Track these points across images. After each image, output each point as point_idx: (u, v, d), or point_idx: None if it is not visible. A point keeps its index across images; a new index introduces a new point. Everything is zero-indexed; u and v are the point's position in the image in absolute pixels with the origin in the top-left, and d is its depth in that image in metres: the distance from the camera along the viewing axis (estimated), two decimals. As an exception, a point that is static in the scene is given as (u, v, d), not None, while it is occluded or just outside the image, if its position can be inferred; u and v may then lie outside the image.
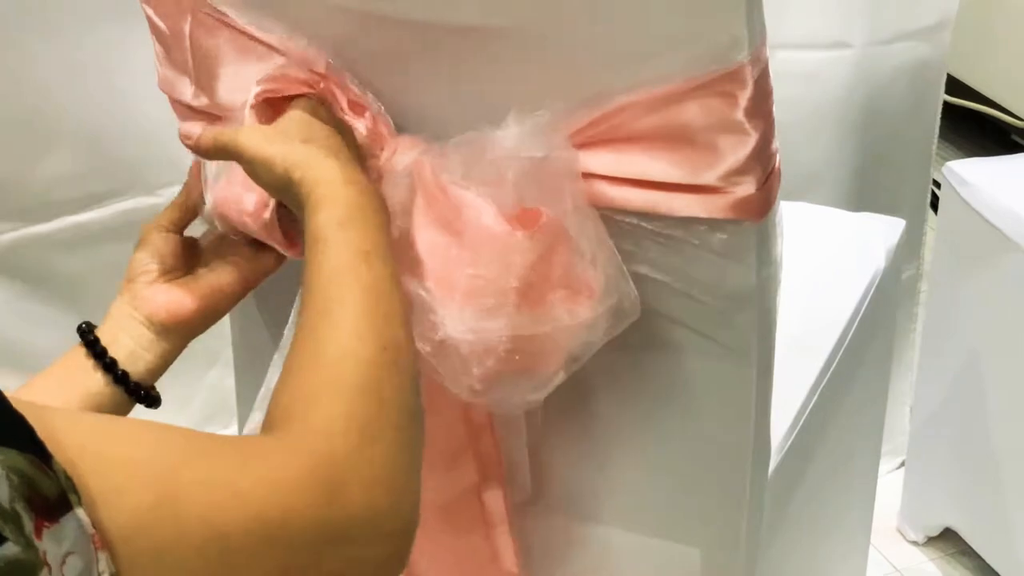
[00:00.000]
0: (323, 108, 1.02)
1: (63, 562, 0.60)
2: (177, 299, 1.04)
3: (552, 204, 0.97)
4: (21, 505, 0.59)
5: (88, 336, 1.02)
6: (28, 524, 0.59)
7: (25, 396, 0.96)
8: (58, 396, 0.99)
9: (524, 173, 0.97)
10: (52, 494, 0.61)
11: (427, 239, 1.00)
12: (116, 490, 0.65)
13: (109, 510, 0.64)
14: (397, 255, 0.99)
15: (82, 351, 1.02)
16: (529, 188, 0.97)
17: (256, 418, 1.01)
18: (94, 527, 0.63)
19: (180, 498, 0.68)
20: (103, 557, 0.63)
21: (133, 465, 0.67)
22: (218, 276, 1.07)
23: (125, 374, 1.01)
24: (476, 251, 0.98)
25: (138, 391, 1.02)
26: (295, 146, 0.94)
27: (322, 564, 0.73)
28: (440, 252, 0.99)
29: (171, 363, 1.05)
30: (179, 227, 1.09)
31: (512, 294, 0.97)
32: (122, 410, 1.02)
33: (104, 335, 1.03)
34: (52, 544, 0.60)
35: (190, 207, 1.10)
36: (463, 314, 0.97)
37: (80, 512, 0.62)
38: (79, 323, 1.04)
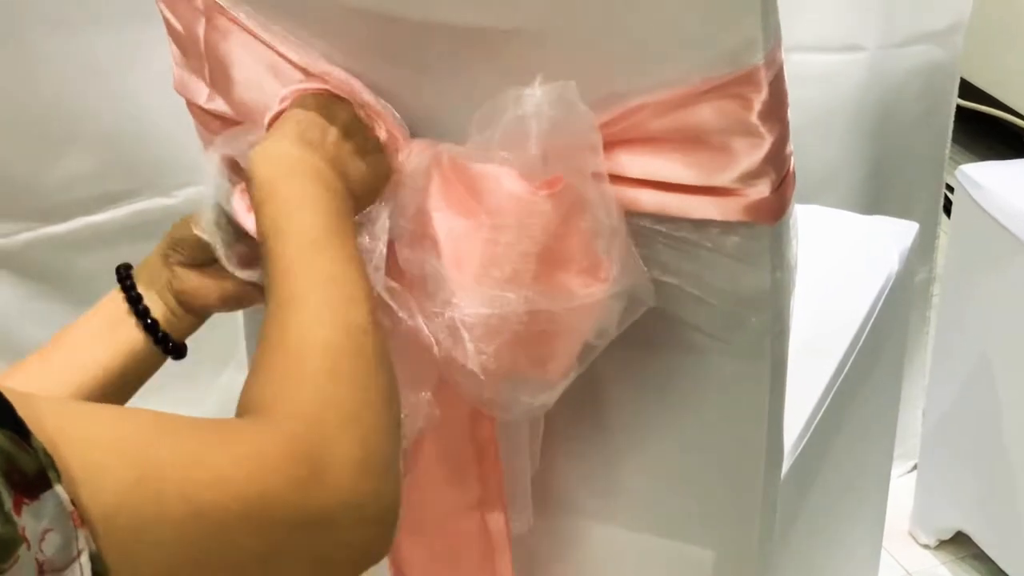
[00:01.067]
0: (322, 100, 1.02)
1: (42, 538, 0.61)
2: (204, 292, 1.06)
3: (572, 171, 0.97)
4: (0, 481, 0.60)
5: (131, 292, 1.05)
6: (7, 500, 0.60)
7: (63, 340, 1.02)
8: (96, 344, 1.02)
9: (546, 133, 0.96)
10: (31, 471, 0.62)
11: (444, 219, 1.00)
12: (97, 468, 0.66)
13: (90, 488, 0.65)
14: (414, 237, 1.00)
15: (123, 304, 1.05)
16: (551, 150, 0.97)
17: None
18: (73, 505, 0.63)
19: (161, 476, 0.68)
20: (82, 534, 0.63)
21: (113, 444, 0.68)
22: (243, 282, 1.07)
23: (166, 335, 1.05)
24: (496, 216, 0.98)
25: (172, 347, 1.06)
26: (254, 150, 0.95)
27: (303, 548, 0.73)
28: (457, 229, 0.99)
29: (192, 333, 1.08)
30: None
31: (530, 261, 0.97)
32: (154, 362, 1.05)
33: (147, 291, 1.05)
34: (31, 520, 0.61)
35: None
36: (479, 287, 0.97)
37: (59, 489, 0.63)
38: (118, 265, 1.07)
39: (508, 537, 1.15)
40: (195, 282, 1.06)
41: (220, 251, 1.04)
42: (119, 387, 1.03)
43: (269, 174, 0.93)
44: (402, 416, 0.86)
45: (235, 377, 1.85)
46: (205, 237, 1.04)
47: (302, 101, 1.01)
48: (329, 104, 1.01)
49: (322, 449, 0.75)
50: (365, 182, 1.00)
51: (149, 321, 1.04)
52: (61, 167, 1.67)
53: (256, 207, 0.92)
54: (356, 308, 0.84)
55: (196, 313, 1.07)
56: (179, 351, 1.06)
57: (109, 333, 1.03)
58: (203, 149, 1.18)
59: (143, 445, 0.69)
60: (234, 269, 1.04)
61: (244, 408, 0.79)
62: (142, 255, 1.08)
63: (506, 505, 1.14)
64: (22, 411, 0.63)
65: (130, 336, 1.04)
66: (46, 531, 0.61)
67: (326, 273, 0.86)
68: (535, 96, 0.96)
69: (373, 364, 0.82)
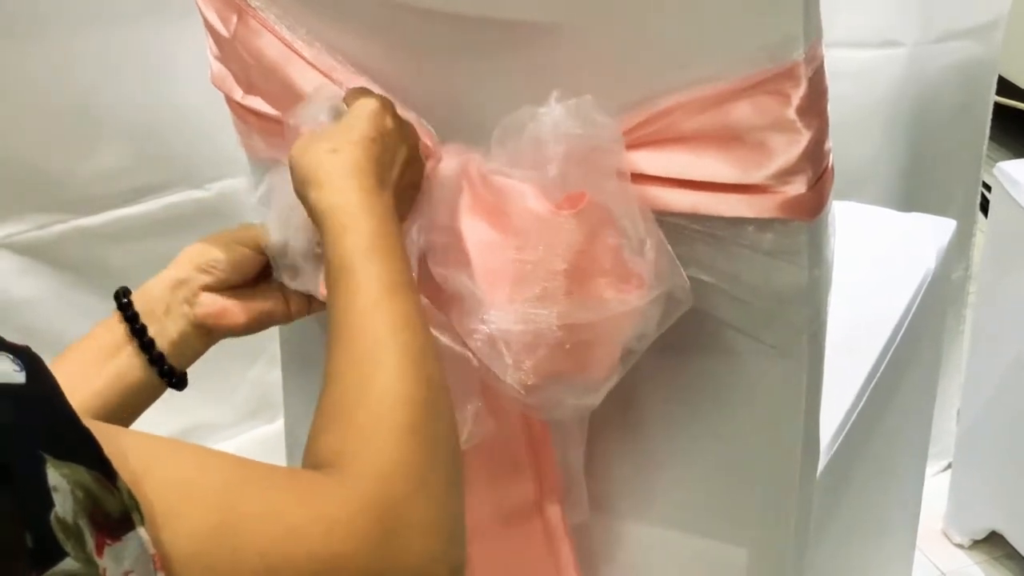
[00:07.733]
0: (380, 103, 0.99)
1: None
2: (230, 314, 1.03)
3: (595, 186, 0.96)
4: (84, 521, 0.60)
5: (135, 322, 1.00)
6: (90, 541, 0.60)
7: (60, 369, 0.95)
8: (93, 373, 0.98)
9: (567, 152, 0.96)
10: (115, 512, 0.62)
11: (474, 235, 0.99)
12: (178, 512, 0.66)
13: (170, 532, 0.65)
14: (447, 253, 0.99)
15: (121, 332, 1.00)
16: (572, 168, 0.96)
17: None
18: (154, 547, 0.63)
19: (238, 528, 0.68)
20: None
21: (195, 489, 0.68)
22: (269, 303, 1.05)
23: (171, 368, 1.01)
24: (522, 236, 0.97)
25: (173, 377, 1.02)
26: (321, 158, 0.91)
27: None
28: (487, 246, 0.99)
29: (194, 362, 1.04)
30: (259, 251, 1.04)
31: (560, 278, 0.96)
32: (152, 392, 1.01)
33: (150, 319, 1.01)
34: (112, 562, 0.61)
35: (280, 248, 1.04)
36: (512, 305, 0.97)
37: (142, 531, 0.63)
38: (116, 290, 1.02)
39: (567, 529, 1.15)
40: (220, 305, 1.02)
41: (279, 267, 1.03)
42: (116, 417, 0.98)
43: (346, 205, 0.89)
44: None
45: (265, 372, 1.85)
46: (271, 252, 1.02)
47: (380, 114, 0.95)
48: (403, 125, 0.98)
49: (397, 511, 0.74)
50: (407, 204, 0.99)
51: (156, 353, 1.00)
52: (94, 160, 1.67)
53: (332, 236, 0.88)
54: (431, 360, 0.84)
55: (213, 338, 1.03)
56: (181, 382, 1.02)
57: (107, 362, 0.99)
58: (240, 143, 1.18)
59: (224, 493, 0.70)
60: (290, 282, 1.02)
61: (319, 457, 0.78)
62: (174, 248, 1.07)
63: (562, 497, 1.14)
64: (108, 448, 0.63)
65: (130, 365, 0.99)
66: (127, 573, 0.62)
67: (402, 320, 0.84)
68: (552, 114, 0.95)
69: (444, 420, 0.82)
